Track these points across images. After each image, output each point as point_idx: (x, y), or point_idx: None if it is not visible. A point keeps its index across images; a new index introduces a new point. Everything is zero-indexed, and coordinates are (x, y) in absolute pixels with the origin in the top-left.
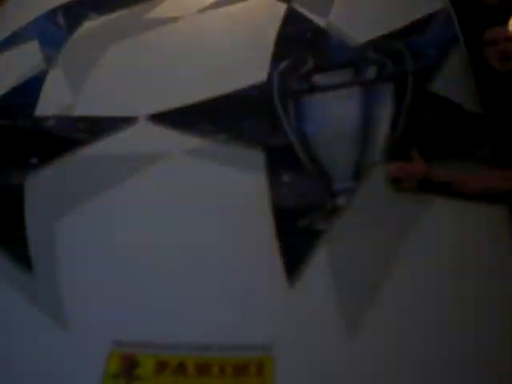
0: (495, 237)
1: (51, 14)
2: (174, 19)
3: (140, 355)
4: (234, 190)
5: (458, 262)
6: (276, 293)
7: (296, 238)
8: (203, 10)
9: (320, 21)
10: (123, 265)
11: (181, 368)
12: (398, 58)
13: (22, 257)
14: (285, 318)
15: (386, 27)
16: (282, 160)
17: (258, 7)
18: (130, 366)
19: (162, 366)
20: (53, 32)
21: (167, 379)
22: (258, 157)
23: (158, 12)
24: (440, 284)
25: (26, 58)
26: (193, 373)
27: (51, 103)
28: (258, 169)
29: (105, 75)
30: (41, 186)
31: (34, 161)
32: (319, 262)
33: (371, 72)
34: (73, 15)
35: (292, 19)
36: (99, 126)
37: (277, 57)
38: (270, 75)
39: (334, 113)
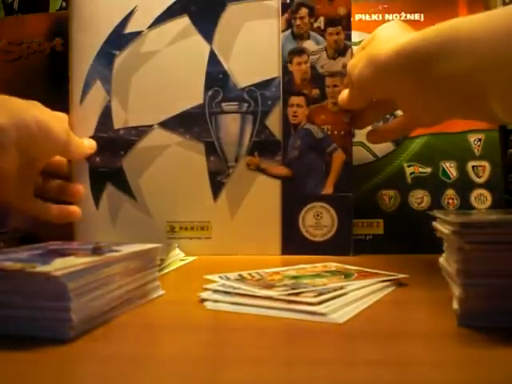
0: None
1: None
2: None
3: None
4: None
5: None
6: None
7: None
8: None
9: (225, 65)
10: None
11: None
12: (255, 101)
13: None
14: None
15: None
16: (210, 149)
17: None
18: None
19: None
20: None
21: None
22: (201, 147)
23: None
24: None
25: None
26: None
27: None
28: (200, 154)
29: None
30: None
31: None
32: None
33: (245, 107)
34: None
35: (211, 60)
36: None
37: (206, 88)
38: (204, 100)
39: (230, 126)
